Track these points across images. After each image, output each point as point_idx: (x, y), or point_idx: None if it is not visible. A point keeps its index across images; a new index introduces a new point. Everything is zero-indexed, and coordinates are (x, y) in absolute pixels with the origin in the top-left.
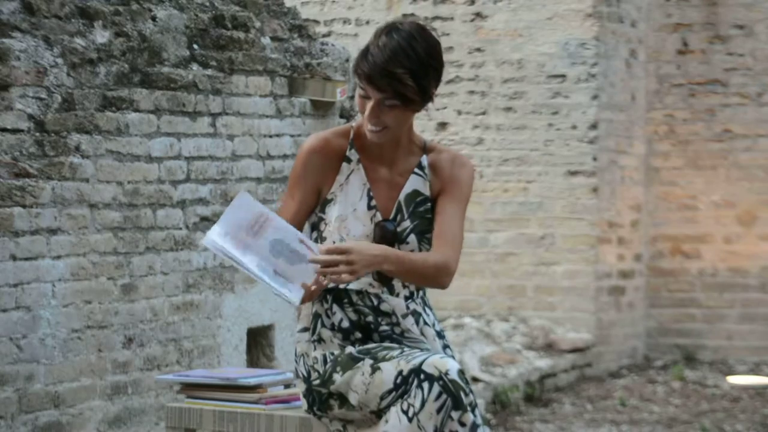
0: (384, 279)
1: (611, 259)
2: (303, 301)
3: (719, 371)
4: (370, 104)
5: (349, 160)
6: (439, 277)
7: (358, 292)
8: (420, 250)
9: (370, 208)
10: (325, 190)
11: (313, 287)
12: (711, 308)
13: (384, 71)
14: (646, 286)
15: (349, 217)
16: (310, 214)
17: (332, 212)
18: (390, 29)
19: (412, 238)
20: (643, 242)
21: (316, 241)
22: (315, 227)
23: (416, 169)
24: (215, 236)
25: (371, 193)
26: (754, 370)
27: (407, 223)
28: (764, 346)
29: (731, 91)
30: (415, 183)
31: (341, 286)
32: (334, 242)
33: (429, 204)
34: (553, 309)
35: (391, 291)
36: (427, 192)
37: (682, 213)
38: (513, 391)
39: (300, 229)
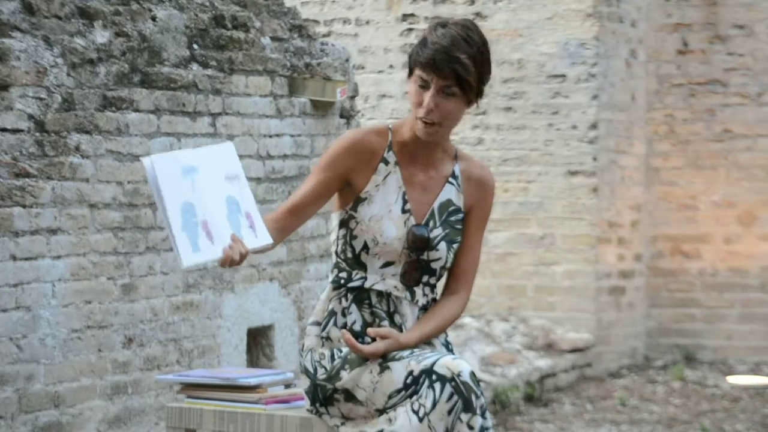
0: (408, 284)
1: (611, 259)
2: (223, 264)
3: (719, 371)
4: (428, 93)
5: (386, 162)
6: (456, 320)
7: (379, 294)
8: (448, 257)
9: (404, 211)
10: (357, 185)
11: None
12: (711, 308)
13: (448, 56)
14: (646, 286)
15: (384, 218)
16: (325, 196)
17: (366, 212)
18: (444, 23)
19: (442, 245)
20: (643, 242)
21: (344, 238)
22: (344, 224)
23: (450, 179)
24: (162, 163)
25: (406, 197)
26: (754, 370)
27: (439, 231)
28: (764, 346)
29: (731, 91)
30: (449, 192)
31: (366, 285)
32: (365, 242)
33: (461, 215)
34: (553, 309)
35: (413, 298)
36: (460, 203)
37: (682, 213)
38: (513, 391)
39: (307, 206)
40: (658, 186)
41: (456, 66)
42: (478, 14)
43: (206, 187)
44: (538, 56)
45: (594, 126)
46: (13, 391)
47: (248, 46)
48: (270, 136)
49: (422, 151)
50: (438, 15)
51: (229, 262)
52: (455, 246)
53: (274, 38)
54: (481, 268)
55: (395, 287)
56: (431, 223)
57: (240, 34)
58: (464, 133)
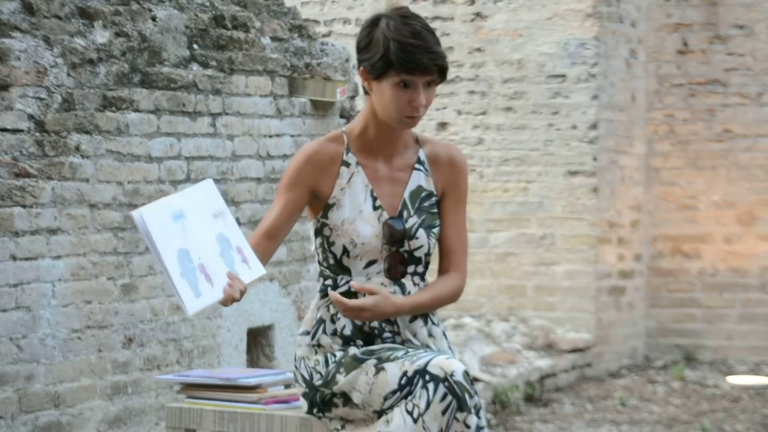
0: (395, 278)
1: (611, 259)
2: (225, 303)
3: (719, 371)
4: (416, 91)
5: (347, 164)
6: (453, 299)
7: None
8: (429, 243)
9: (375, 208)
10: (324, 194)
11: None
12: (711, 308)
13: (429, 53)
14: (646, 286)
15: (357, 219)
16: (296, 214)
17: (337, 217)
18: (388, 20)
19: (421, 233)
20: (643, 242)
21: (323, 246)
22: (319, 232)
23: (417, 165)
24: (152, 214)
25: (374, 194)
26: (754, 370)
27: (414, 219)
28: (764, 346)
29: (731, 91)
30: (418, 179)
31: (352, 289)
32: (343, 246)
33: (434, 199)
34: (553, 309)
35: (402, 291)
36: (431, 187)
37: (682, 213)
38: (513, 391)
39: (281, 227)
40: (658, 186)
41: (438, 60)
42: (478, 14)
43: (197, 230)
44: (538, 56)
45: (594, 126)
46: (13, 391)
47: (248, 46)
48: (270, 136)
49: (381, 145)
50: (438, 15)
51: (231, 300)
52: (435, 231)
53: (274, 38)
54: (481, 267)
55: (382, 284)
56: (405, 213)
57: (240, 34)
58: (464, 133)
